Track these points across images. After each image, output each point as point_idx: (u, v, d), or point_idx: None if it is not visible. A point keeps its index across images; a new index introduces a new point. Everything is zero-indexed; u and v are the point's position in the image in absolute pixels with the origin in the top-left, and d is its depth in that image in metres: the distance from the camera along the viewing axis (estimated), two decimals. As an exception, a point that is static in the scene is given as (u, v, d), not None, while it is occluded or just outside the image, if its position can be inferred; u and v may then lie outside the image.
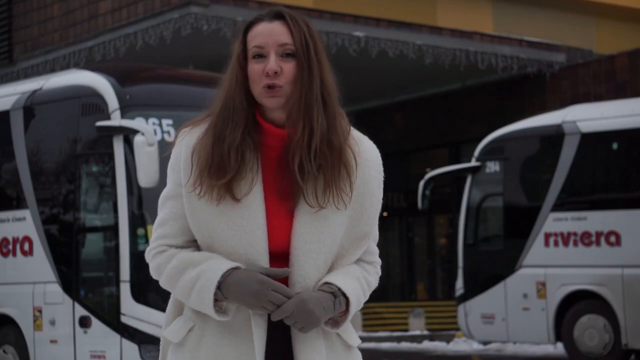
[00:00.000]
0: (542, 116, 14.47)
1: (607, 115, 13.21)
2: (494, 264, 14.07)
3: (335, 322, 2.65)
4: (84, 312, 9.54)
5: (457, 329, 18.18)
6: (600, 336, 12.73)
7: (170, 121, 9.74)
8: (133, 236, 9.41)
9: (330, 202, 2.60)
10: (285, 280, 2.60)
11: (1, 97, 10.81)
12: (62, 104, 10.17)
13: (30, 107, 10.39)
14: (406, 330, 20.81)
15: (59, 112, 10.20)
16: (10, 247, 10.25)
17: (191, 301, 2.60)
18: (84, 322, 9.51)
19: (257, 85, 2.61)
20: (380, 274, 2.79)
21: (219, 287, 2.55)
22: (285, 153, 2.62)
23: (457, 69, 20.06)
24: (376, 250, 2.78)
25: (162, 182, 8.91)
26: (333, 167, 2.60)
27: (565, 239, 13.02)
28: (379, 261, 2.80)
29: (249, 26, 2.68)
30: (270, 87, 2.59)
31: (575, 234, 12.93)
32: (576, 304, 12.96)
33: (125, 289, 9.32)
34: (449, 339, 18.35)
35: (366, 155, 2.68)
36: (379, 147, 2.79)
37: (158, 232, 2.69)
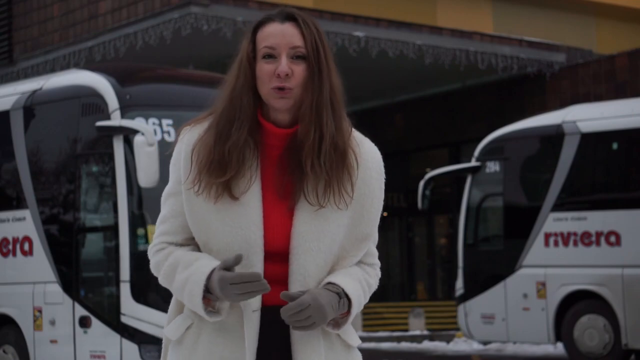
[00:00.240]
0: (542, 116, 14.47)
1: (607, 115, 13.21)
2: (494, 264, 14.07)
3: (336, 323, 2.66)
4: (84, 312, 9.54)
5: (457, 329, 18.18)
6: (600, 336, 12.73)
7: (170, 121, 9.74)
8: (133, 236, 9.41)
9: (331, 201, 2.60)
10: (285, 279, 2.60)
11: (1, 97, 10.81)
12: (62, 104, 10.17)
13: (30, 107, 10.39)
14: (406, 330, 20.81)
15: (59, 112, 10.20)
16: (10, 247, 10.25)
17: (185, 302, 2.63)
18: (84, 322, 9.51)
19: (265, 86, 2.60)
20: (380, 275, 2.79)
21: (207, 289, 2.56)
22: (286, 154, 2.63)
23: (457, 69, 20.05)
24: (376, 252, 2.79)
25: (162, 182, 8.91)
26: (337, 167, 2.61)
27: (565, 239, 13.02)
28: (378, 263, 2.80)
29: (258, 25, 2.67)
30: (280, 88, 2.59)
31: (575, 234, 12.93)
32: (576, 304, 12.96)
33: (125, 289, 9.32)
34: (449, 339, 18.34)
35: (367, 156, 2.69)
36: (379, 147, 2.79)
37: (159, 229, 2.71)
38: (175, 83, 10.73)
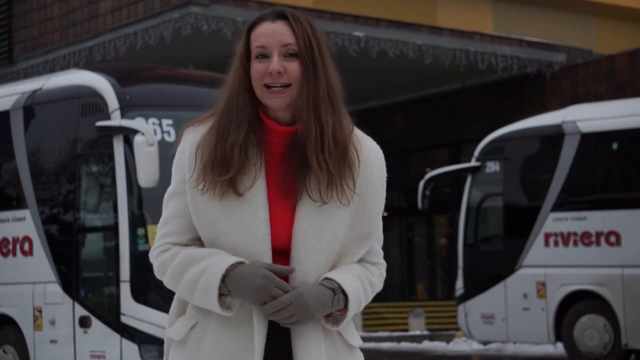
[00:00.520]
0: (542, 116, 14.46)
1: (607, 115, 13.21)
2: (494, 264, 14.07)
3: (335, 320, 2.66)
4: (84, 312, 9.54)
5: (457, 329, 18.18)
6: (600, 336, 12.73)
7: (170, 121, 9.74)
8: (133, 236, 9.41)
9: (333, 197, 2.61)
10: (285, 276, 2.60)
11: (1, 97, 10.81)
12: (62, 104, 10.17)
13: (30, 107, 10.39)
14: (406, 330, 20.80)
15: (59, 112, 10.20)
16: (10, 247, 10.25)
17: (195, 297, 2.61)
18: (84, 322, 9.51)
19: (258, 85, 2.62)
20: (384, 276, 2.79)
21: (223, 281, 2.56)
22: (289, 151, 2.64)
23: (457, 69, 20.05)
24: (380, 252, 2.79)
25: (162, 182, 8.91)
26: (338, 163, 2.62)
27: (565, 239, 13.02)
28: (383, 263, 2.80)
29: (251, 26, 2.68)
30: (269, 86, 2.60)
31: (575, 234, 12.93)
32: (576, 304, 12.95)
33: (125, 289, 9.32)
34: (449, 339, 18.34)
35: (369, 154, 2.70)
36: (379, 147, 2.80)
37: (162, 230, 2.70)
38: (175, 83, 10.73)
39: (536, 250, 13.29)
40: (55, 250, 9.88)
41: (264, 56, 2.62)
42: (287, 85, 2.61)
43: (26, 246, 10.11)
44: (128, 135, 9.38)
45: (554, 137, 13.43)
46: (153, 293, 9.37)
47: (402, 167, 23.13)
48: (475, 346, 16.44)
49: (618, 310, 12.50)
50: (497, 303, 13.70)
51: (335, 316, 2.66)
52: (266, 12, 2.68)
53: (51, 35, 19.76)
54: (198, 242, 2.68)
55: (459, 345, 17.06)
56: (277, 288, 2.54)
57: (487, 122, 20.15)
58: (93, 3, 18.75)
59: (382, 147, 2.82)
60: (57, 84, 10.40)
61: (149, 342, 9.24)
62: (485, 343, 15.97)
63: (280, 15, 2.65)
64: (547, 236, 13.19)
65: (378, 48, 18.39)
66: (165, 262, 2.66)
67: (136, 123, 9.44)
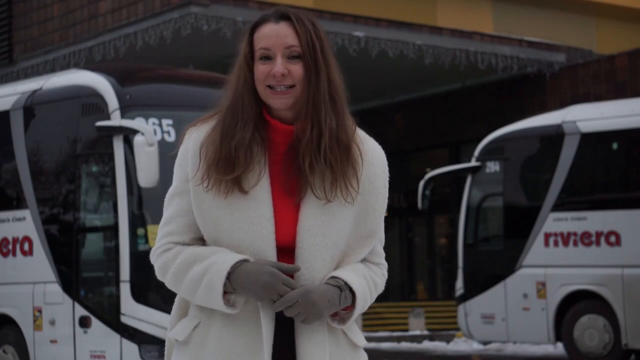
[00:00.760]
0: (542, 116, 14.46)
1: (607, 115, 13.21)
2: (494, 264, 14.06)
3: (342, 318, 2.66)
4: (84, 312, 9.54)
5: (457, 329, 18.18)
6: (600, 336, 12.73)
7: (170, 121, 9.74)
8: (133, 236, 9.41)
9: (338, 195, 2.61)
10: (290, 274, 2.60)
11: (1, 97, 10.81)
12: (62, 104, 10.17)
13: (30, 107, 10.39)
14: (406, 330, 20.80)
15: (59, 112, 10.20)
16: (10, 247, 10.25)
17: (198, 296, 2.60)
18: (84, 322, 9.51)
19: (262, 86, 2.63)
20: (386, 276, 2.79)
21: (228, 278, 2.55)
22: (292, 150, 2.64)
23: (457, 69, 20.05)
24: (382, 253, 2.79)
25: (162, 182, 8.91)
26: (341, 162, 2.62)
27: (565, 239, 13.02)
28: (385, 264, 2.80)
29: (255, 26, 2.69)
30: (272, 87, 2.61)
31: (575, 234, 12.93)
32: (576, 304, 12.95)
33: (125, 289, 9.32)
34: (449, 339, 18.34)
35: (371, 154, 2.71)
36: (378, 147, 2.80)
37: (164, 230, 2.69)
38: (175, 83, 10.73)
39: (536, 250, 13.29)
40: (55, 250, 9.88)
41: (268, 58, 2.63)
42: (291, 87, 2.61)
43: (26, 246, 10.11)
44: (128, 135, 9.38)
45: (554, 137, 13.43)
46: (153, 293, 9.37)
47: (402, 167, 23.12)
48: (475, 346, 16.44)
49: (618, 310, 12.50)
50: (497, 303, 13.70)
51: (341, 315, 2.65)
52: (269, 12, 2.69)
53: (51, 35, 19.76)
54: (200, 241, 2.67)
55: (459, 345, 17.06)
56: (284, 285, 2.53)
57: (487, 122, 20.14)
58: (93, 3, 18.75)
59: (382, 147, 2.83)
60: (57, 84, 10.40)
61: (149, 342, 9.24)
62: (485, 343, 15.97)
63: (284, 16, 2.65)
64: (547, 236, 13.19)
65: (378, 48, 18.39)
66: (168, 262, 2.65)
67: (136, 123, 9.44)
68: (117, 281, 9.40)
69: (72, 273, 9.69)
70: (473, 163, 14.43)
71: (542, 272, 13.22)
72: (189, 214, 2.65)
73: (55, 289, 9.76)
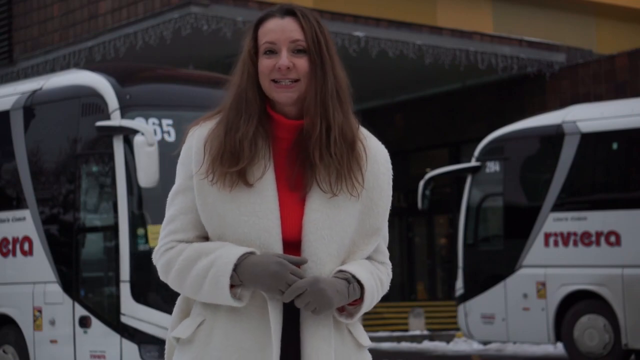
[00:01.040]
0: (542, 116, 14.46)
1: (607, 115, 13.21)
2: (494, 264, 14.06)
3: (349, 313, 2.65)
4: (84, 312, 9.54)
5: (457, 329, 18.18)
6: (600, 336, 12.73)
7: (170, 121, 9.74)
8: (133, 236, 9.41)
9: (344, 189, 2.61)
10: (298, 267, 2.59)
11: (1, 97, 10.81)
12: (62, 104, 10.17)
13: (30, 107, 10.39)
14: (406, 330, 20.80)
15: (59, 112, 10.20)
16: (10, 247, 10.25)
17: (204, 291, 2.58)
18: (84, 322, 9.51)
19: (266, 80, 2.63)
20: (391, 276, 2.79)
21: (235, 270, 2.54)
22: (296, 145, 2.64)
23: (457, 69, 20.05)
24: (387, 252, 2.79)
25: (162, 182, 8.91)
26: (348, 157, 2.63)
27: (565, 239, 13.02)
28: (389, 263, 2.80)
29: (259, 22, 2.69)
30: (276, 81, 2.61)
31: (575, 234, 12.93)
32: (576, 304, 12.95)
33: (125, 289, 9.32)
34: (449, 339, 18.34)
35: (375, 151, 2.72)
36: (379, 147, 2.81)
37: (167, 229, 2.68)
38: (175, 83, 10.73)
39: (536, 250, 13.29)
40: (55, 250, 9.88)
41: (272, 52, 2.63)
42: (296, 81, 2.62)
43: (26, 246, 10.11)
44: (128, 135, 9.38)
45: (554, 137, 13.43)
46: (153, 293, 9.37)
47: (402, 167, 23.11)
48: (475, 346, 16.44)
49: (618, 310, 12.50)
50: (497, 303, 13.70)
51: (348, 310, 2.65)
52: (274, 8, 2.69)
53: (51, 35, 19.76)
54: (204, 239, 2.66)
55: (459, 345, 17.06)
56: (292, 275, 2.52)
57: (487, 122, 20.14)
58: (93, 3, 18.75)
59: (382, 147, 2.83)
60: (57, 84, 10.40)
61: (149, 342, 9.24)
62: (485, 343, 15.97)
63: (289, 11, 2.67)
64: (547, 236, 13.19)
65: (378, 48, 18.39)
66: (171, 259, 2.64)
67: (136, 123, 9.44)
68: (117, 281, 9.40)
69: (72, 273, 9.69)
70: (473, 163, 14.43)
71: (542, 272, 13.22)
72: (192, 212, 2.64)
73: (55, 289, 9.76)
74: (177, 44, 17.46)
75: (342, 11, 18.29)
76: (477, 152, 14.45)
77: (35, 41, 20.14)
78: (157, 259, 2.69)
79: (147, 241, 9.43)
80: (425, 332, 20.51)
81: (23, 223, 10.17)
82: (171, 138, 9.63)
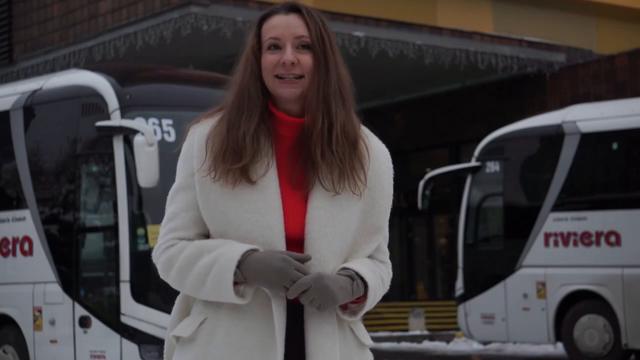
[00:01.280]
0: (542, 116, 14.46)
1: (607, 115, 13.21)
2: (494, 264, 14.06)
3: (352, 311, 2.65)
4: (84, 312, 9.54)
5: (457, 329, 18.18)
6: (600, 336, 12.73)
7: (170, 121, 9.74)
8: (133, 236, 9.40)
9: (346, 187, 2.61)
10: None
11: (1, 97, 10.81)
12: (62, 104, 10.17)
13: (30, 107, 10.39)
14: (406, 330, 20.80)
15: (59, 112, 10.20)
16: (10, 247, 10.25)
17: (206, 288, 2.57)
18: (84, 322, 9.51)
19: (269, 75, 2.62)
20: (391, 275, 2.79)
21: (238, 267, 2.53)
22: (299, 143, 2.64)
23: (457, 69, 20.05)
24: (387, 251, 2.79)
25: (162, 182, 8.91)
26: (350, 155, 2.63)
27: (565, 239, 13.02)
28: (389, 262, 2.80)
29: (263, 18, 2.69)
30: (280, 77, 2.61)
31: (575, 234, 12.93)
32: (576, 304, 12.95)
33: (125, 289, 9.32)
34: (449, 339, 18.34)
35: (377, 150, 2.72)
36: (379, 147, 2.81)
37: (168, 226, 2.66)
38: (175, 83, 10.73)
39: (536, 250, 13.29)
40: (55, 250, 9.88)
41: (277, 47, 2.63)
42: (300, 77, 2.61)
43: (26, 246, 10.11)
44: (128, 135, 9.38)
45: (554, 137, 13.43)
46: (153, 293, 9.37)
47: (402, 167, 23.11)
48: (475, 346, 16.44)
49: (618, 310, 12.50)
50: (497, 303, 13.70)
51: (352, 308, 2.65)
52: (278, 5, 2.69)
53: (51, 35, 19.76)
54: (205, 237, 2.65)
55: (459, 345, 17.06)
56: (296, 271, 2.51)
57: (487, 122, 20.14)
58: (93, 3, 18.75)
59: (382, 147, 2.83)
60: (57, 84, 10.40)
61: (149, 342, 9.24)
62: (485, 343, 15.97)
63: (293, 8, 2.67)
64: (547, 236, 13.19)
65: (378, 48, 18.39)
66: (172, 257, 2.62)
67: (136, 123, 9.44)
68: (117, 281, 9.40)
69: (72, 273, 9.69)
70: (473, 163, 14.43)
71: (542, 272, 13.22)
72: (193, 209, 2.63)
73: (55, 289, 9.76)
74: (177, 44, 17.46)
75: (342, 11, 18.29)
76: (477, 152, 14.45)
77: (35, 41, 20.14)
78: (158, 257, 2.67)
79: (147, 241, 9.43)
80: (425, 332, 20.51)
81: (23, 223, 10.17)
82: (171, 138, 9.63)
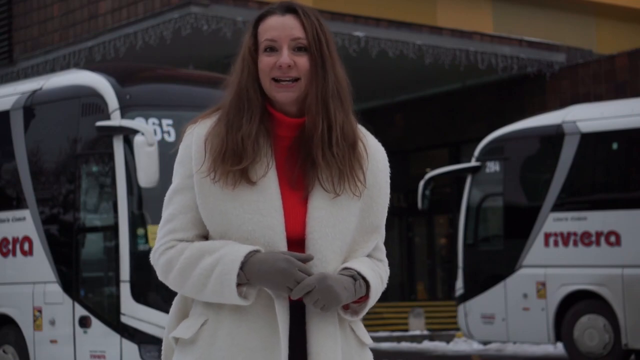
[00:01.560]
0: (542, 116, 14.46)
1: (607, 115, 13.21)
2: (494, 264, 14.06)
3: (354, 311, 2.65)
4: (84, 312, 9.54)
5: (457, 329, 18.18)
6: (600, 336, 12.73)
7: (170, 121, 9.74)
8: (133, 236, 9.40)
9: (346, 189, 2.61)
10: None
11: (1, 97, 10.81)
12: (62, 104, 10.17)
13: (30, 107, 10.39)
14: (406, 330, 20.80)
15: (59, 112, 10.20)
16: (10, 247, 10.25)
17: (208, 290, 2.55)
18: (84, 322, 9.51)
19: (266, 78, 2.61)
20: (389, 273, 2.79)
21: (241, 268, 2.51)
22: (297, 144, 2.63)
23: (457, 69, 20.05)
24: (384, 249, 2.79)
25: (162, 182, 8.91)
26: (349, 157, 2.62)
27: (565, 239, 13.02)
28: (386, 260, 2.80)
29: (260, 18, 2.67)
30: (277, 80, 2.59)
31: (575, 234, 12.93)
32: (576, 304, 12.95)
33: (125, 289, 9.32)
34: (449, 339, 18.34)
35: (374, 149, 2.72)
36: (378, 147, 2.81)
37: (166, 228, 2.64)
38: (175, 83, 10.73)
39: (536, 250, 13.29)
40: (55, 250, 9.88)
41: (273, 49, 2.61)
42: (296, 80, 2.60)
43: (26, 246, 10.11)
44: (128, 135, 9.38)
45: (554, 137, 13.43)
46: (153, 293, 9.37)
47: (402, 167, 23.11)
48: (475, 346, 16.44)
49: (618, 310, 12.50)
50: (497, 303, 13.70)
51: (353, 308, 2.64)
52: (275, 5, 2.67)
53: (51, 35, 19.76)
54: (204, 239, 2.63)
55: (459, 345, 17.06)
56: (300, 272, 2.50)
57: (487, 122, 20.14)
58: (93, 3, 18.75)
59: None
60: (57, 84, 10.40)
61: (149, 342, 9.24)
62: (485, 343, 15.96)
63: (290, 9, 2.64)
64: (547, 236, 13.19)
65: (378, 48, 18.39)
66: (172, 259, 2.60)
67: (136, 123, 9.44)
68: (117, 281, 9.40)
69: (72, 273, 9.69)
70: (473, 163, 14.43)
71: (542, 272, 13.22)
72: (192, 210, 2.61)
73: (55, 289, 9.76)
74: (177, 44, 17.46)
75: (342, 11, 18.29)
76: (477, 152, 14.44)
77: (35, 41, 20.14)
78: (156, 259, 2.65)
79: (147, 241, 9.43)
80: (425, 332, 20.51)
81: (23, 223, 10.17)
82: (171, 138, 9.63)
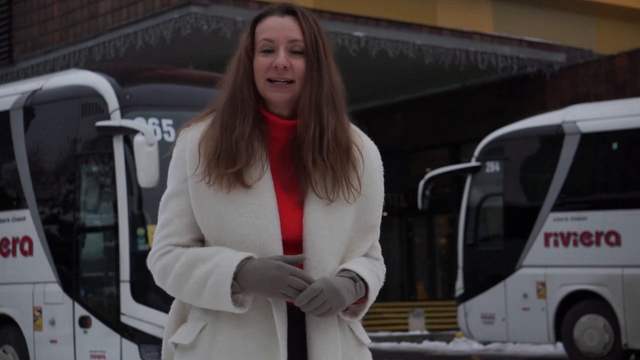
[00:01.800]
0: (542, 116, 14.46)
1: (607, 115, 13.21)
2: (494, 264, 14.06)
3: (353, 312, 2.65)
4: (84, 312, 9.54)
5: (457, 329, 18.18)
6: (600, 336, 12.73)
7: (170, 121, 9.74)
8: (133, 236, 9.41)
9: (340, 196, 2.60)
10: (301, 268, 2.57)
11: (1, 97, 10.81)
12: (62, 104, 10.17)
13: (30, 107, 10.39)
14: (406, 330, 20.80)
15: (59, 112, 10.20)
16: (10, 247, 10.25)
17: (204, 298, 2.55)
18: (84, 322, 9.51)
19: (261, 78, 2.60)
20: (385, 271, 2.78)
21: (235, 278, 2.50)
22: (290, 147, 2.62)
23: (457, 69, 20.05)
24: (380, 247, 2.79)
25: (162, 182, 8.91)
26: (342, 162, 2.61)
27: (565, 239, 13.02)
28: (382, 258, 2.80)
29: (258, 19, 2.66)
30: (272, 80, 2.58)
31: (575, 234, 12.93)
32: (576, 304, 12.95)
33: (125, 289, 9.32)
34: (449, 339, 18.34)
35: (368, 149, 2.70)
36: (379, 147, 2.82)
37: (162, 233, 2.63)
38: (175, 83, 10.73)
39: (536, 250, 13.29)
40: (55, 250, 9.88)
41: (270, 50, 2.60)
42: (290, 82, 2.59)
43: (26, 246, 10.11)
44: (128, 135, 9.38)
45: (554, 137, 13.43)
46: (153, 293, 9.37)
47: (402, 167, 23.12)
48: (475, 346, 16.44)
49: (618, 310, 12.50)
50: (497, 303, 13.70)
51: (352, 309, 2.64)
52: (274, 6, 2.66)
53: (51, 35, 19.76)
54: (200, 243, 2.62)
55: (459, 345, 17.06)
56: (295, 276, 2.49)
57: (487, 122, 20.14)
58: (93, 3, 18.75)
59: (382, 147, 2.85)
60: (57, 84, 10.40)
61: (149, 342, 9.24)
62: (485, 343, 15.97)
63: (289, 10, 2.63)
64: (547, 236, 13.19)
65: (378, 48, 18.39)
66: (168, 265, 2.59)
67: (136, 123, 9.44)
68: (117, 281, 9.40)
69: (72, 273, 9.69)
70: (473, 163, 14.43)
71: (542, 272, 13.22)
72: (188, 215, 2.60)
73: (55, 289, 9.76)
74: (177, 44, 17.46)
75: (342, 11, 18.29)
76: (477, 152, 14.45)
77: (35, 41, 20.14)
78: (153, 264, 2.64)
79: (147, 241, 9.43)
80: (425, 332, 20.51)
81: (23, 223, 10.17)
82: (171, 138, 9.63)
